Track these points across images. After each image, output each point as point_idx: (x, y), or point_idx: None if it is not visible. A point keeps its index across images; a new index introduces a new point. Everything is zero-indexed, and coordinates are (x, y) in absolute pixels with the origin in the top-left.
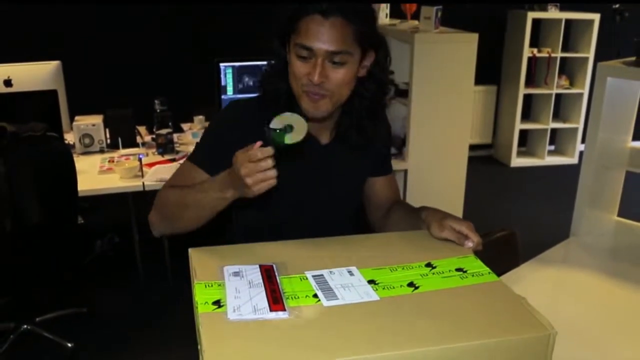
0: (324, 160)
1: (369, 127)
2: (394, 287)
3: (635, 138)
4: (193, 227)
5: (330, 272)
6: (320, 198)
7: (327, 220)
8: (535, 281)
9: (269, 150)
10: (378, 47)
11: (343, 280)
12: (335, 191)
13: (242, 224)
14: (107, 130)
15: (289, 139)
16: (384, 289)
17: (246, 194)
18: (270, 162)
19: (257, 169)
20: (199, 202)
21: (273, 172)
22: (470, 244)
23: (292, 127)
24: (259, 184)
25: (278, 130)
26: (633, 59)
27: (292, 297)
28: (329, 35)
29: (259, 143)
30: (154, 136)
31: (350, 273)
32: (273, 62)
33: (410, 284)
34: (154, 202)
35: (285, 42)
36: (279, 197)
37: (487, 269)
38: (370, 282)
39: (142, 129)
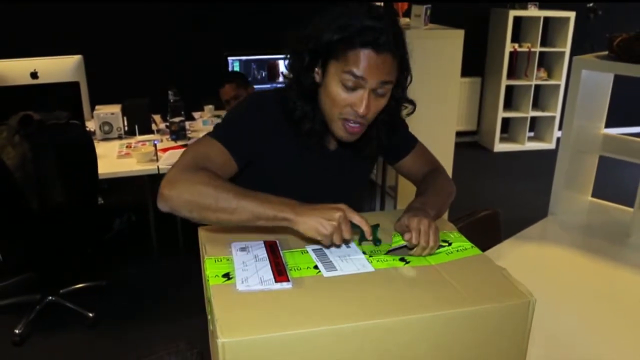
0: (331, 166)
1: (384, 140)
2: (387, 261)
3: (607, 125)
4: (217, 224)
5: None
6: (323, 201)
7: None
8: (516, 256)
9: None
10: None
11: (341, 252)
12: (336, 195)
13: None
14: (125, 118)
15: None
16: (378, 261)
17: (307, 229)
18: (348, 236)
19: (346, 229)
20: (253, 213)
21: (346, 236)
22: (407, 238)
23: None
24: (333, 236)
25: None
26: (605, 53)
27: (294, 269)
28: (381, 70)
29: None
30: (167, 124)
31: (347, 245)
32: (293, 76)
33: (402, 259)
34: (174, 175)
35: (315, 63)
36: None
37: (470, 243)
38: (366, 252)
39: (157, 117)
